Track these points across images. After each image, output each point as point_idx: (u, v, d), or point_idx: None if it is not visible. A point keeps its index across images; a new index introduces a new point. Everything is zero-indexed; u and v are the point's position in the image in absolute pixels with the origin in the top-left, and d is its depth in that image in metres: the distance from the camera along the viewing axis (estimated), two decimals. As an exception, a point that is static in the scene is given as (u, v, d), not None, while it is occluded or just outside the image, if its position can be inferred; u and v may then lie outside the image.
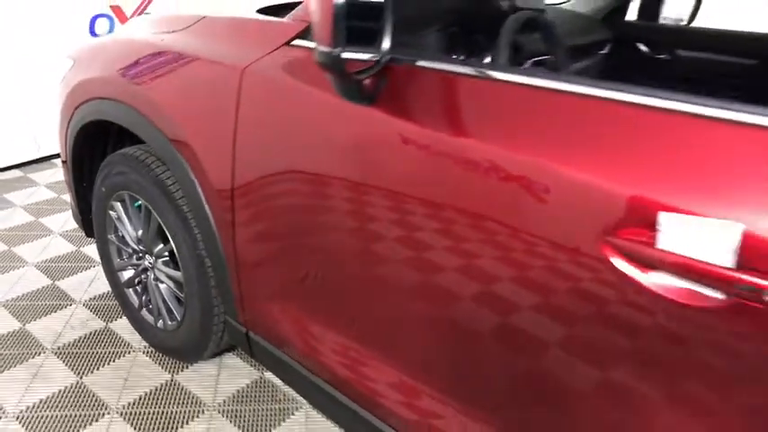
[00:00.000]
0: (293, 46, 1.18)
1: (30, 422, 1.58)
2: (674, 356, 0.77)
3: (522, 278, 0.88)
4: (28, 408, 1.63)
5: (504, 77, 0.93)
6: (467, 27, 1.38)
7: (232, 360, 1.86)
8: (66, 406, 1.65)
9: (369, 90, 1.01)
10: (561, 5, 2.20)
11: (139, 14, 3.49)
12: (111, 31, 3.37)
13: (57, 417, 1.61)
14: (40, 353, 1.85)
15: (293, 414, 1.67)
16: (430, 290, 1.03)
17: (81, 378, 1.76)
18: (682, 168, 0.75)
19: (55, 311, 2.05)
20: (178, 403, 1.68)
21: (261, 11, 1.38)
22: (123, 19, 3.42)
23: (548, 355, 0.90)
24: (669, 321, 0.75)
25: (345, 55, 0.91)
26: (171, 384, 1.75)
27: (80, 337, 1.93)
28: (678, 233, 0.72)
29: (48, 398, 1.67)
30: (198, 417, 1.64)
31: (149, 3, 3.52)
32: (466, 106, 0.97)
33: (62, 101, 1.84)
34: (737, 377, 0.72)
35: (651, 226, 0.74)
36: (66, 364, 1.80)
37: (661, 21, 2.32)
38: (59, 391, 1.70)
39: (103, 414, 1.63)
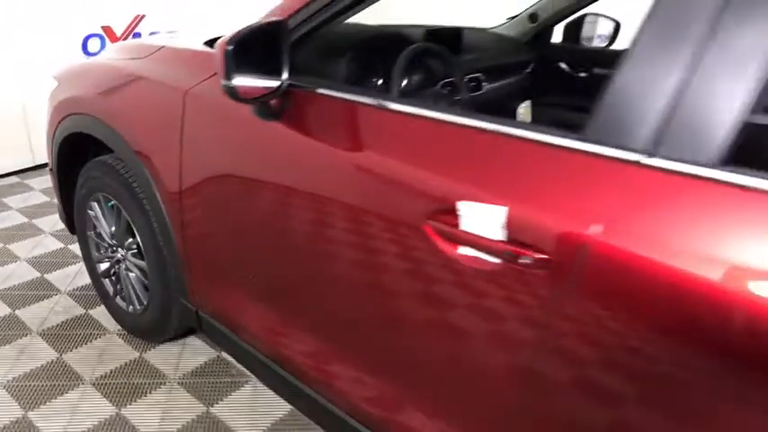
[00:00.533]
0: (225, 73, 1.46)
1: (15, 390, 1.85)
2: (476, 307, 1.03)
3: (380, 251, 1.15)
4: (14, 378, 1.90)
5: (376, 104, 1.19)
6: (380, 56, 1.65)
7: (194, 341, 2.13)
8: (47, 377, 1.92)
9: (274, 110, 1.29)
10: (491, 29, 2.48)
11: (129, 34, 3.79)
12: (102, 49, 3.67)
13: (38, 386, 1.88)
14: (27, 334, 2.12)
15: (242, 387, 1.93)
16: (332, 267, 1.30)
17: (61, 355, 2.03)
18: (478, 171, 1.02)
19: (42, 300, 2.32)
20: (144, 376, 1.95)
21: (207, 42, 1.65)
22: (114, 38, 3.72)
23: (403, 303, 1.17)
24: (470, 282, 1.02)
25: (251, 83, 1.19)
26: (139, 360, 2.02)
27: (63, 322, 2.20)
28: (470, 217, 0.99)
29: (31, 371, 1.94)
30: (160, 387, 1.91)
31: (138, 23, 3.82)
32: (348, 126, 1.24)
33: (49, 115, 2.12)
34: (513, 319, 0.99)
35: (455, 213, 1.01)
36: (49, 344, 2.08)
37: (596, 38, 2.59)
38: (42, 366, 1.97)
39: (78, 384, 1.90)
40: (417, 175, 1.08)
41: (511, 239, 0.94)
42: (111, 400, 1.84)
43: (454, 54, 2.00)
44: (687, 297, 0.80)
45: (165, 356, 2.04)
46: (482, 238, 0.97)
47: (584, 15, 2.48)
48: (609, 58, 2.39)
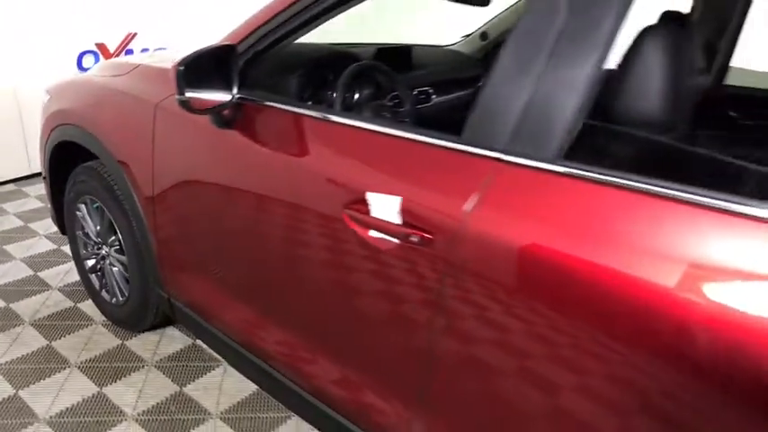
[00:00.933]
0: (189, 88, 1.68)
1: (7, 372, 2.06)
2: (382, 280, 1.25)
3: (315, 240, 1.37)
4: (7, 362, 2.11)
5: (314, 115, 1.42)
6: (329, 73, 1.87)
7: (172, 331, 2.34)
8: (37, 361, 2.13)
9: (227, 119, 1.51)
10: (446, 47, 2.71)
11: (122, 51, 4.04)
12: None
13: (29, 368, 2.09)
14: (20, 324, 2.33)
15: (213, 370, 2.14)
16: (286, 257, 1.51)
17: (50, 342, 2.24)
18: (384, 168, 1.24)
19: (35, 295, 2.54)
20: (124, 360, 2.16)
21: (178, 61, 1.87)
22: (108, 55, 3.96)
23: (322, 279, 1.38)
24: (379, 259, 1.24)
25: (204, 97, 1.42)
26: (120, 347, 2.23)
27: (53, 313, 2.41)
28: (376, 206, 1.20)
29: (23, 356, 2.15)
30: (138, 370, 2.12)
31: (131, 41, 4.06)
32: (292, 133, 1.46)
33: (42, 126, 2.35)
34: (407, 286, 1.20)
35: (366, 203, 1.22)
36: (40, 333, 2.29)
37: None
38: (33, 351, 2.18)
39: (65, 367, 2.11)
40: (340, 174, 1.30)
41: (405, 223, 1.16)
42: (93, 381, 2.04)
43: (405, 70, 2.24)
44: (535, 264, 1.01)
45: (144, 344, 2.25)
46: (385, 222, 1.19)
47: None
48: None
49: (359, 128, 1.30)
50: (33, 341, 2.24)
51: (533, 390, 1.06)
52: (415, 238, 1.14)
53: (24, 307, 2.45)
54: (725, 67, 2.03)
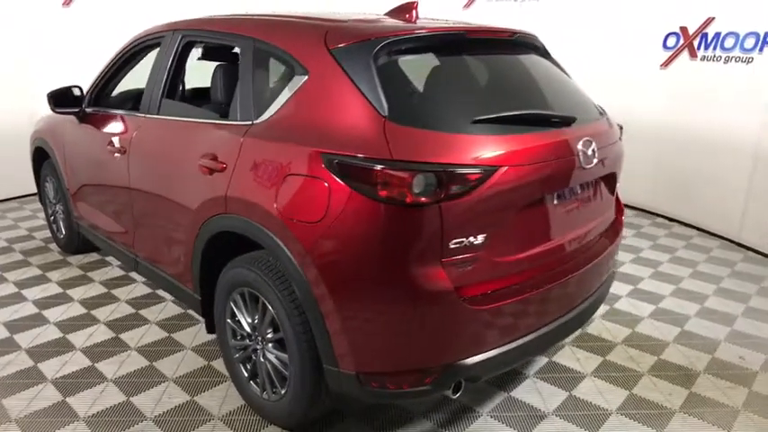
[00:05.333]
0: (78, 108, 3.53)
1: (-1, 266, 3.90)
2: (123, 177, 2.99)
3: (109, 163, 3.14)
4: (-1, 262, 3.96)
5: (122, 113, 3.21)
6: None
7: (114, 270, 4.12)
8: (8, 258, 3.95)
9: (84, 119, 3.35)
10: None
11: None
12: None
13: (14, 262, 3.91)
14: (11, 252, 4.19)
15: (131, 284, 3.89)
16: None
17: (12, 244, 4.07)
18: (126, 128, 3.02)
19: (12, 230, 4.43)
20: (59, 263, 3.95)
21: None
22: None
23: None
24: (120, 164, 2.98)
25: (66, 109, 3.27)
26: (62, 260, 4.03)
27: (33, 248, 4.26)
28: (115, 141, 2.97)
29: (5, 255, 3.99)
30: (61, 268, 3.89)
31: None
32: (109, 123, 3.26)
33: (30, 141, 4.29)
34: (125, 173, 2.94)
35: (113, 142, 2.98)
36: (20, 251, 4.12)
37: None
38: (14, 261, 4.01)
39: (10, 251, 3.92)
40: (115, 133, 3.08)
41: (120, 145, 2.91)
42: (36, 265, 3.84)
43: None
44: (147, 153, 2.74)
45: (89, 266, 4.05)
46: (116, 147, 2.95)
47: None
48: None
49: (130, 116, 3.09)
50: (16, 252, 4.09)
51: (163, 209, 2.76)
52: (123, 150, 2.90)
53: (9, 235, 4.34)
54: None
